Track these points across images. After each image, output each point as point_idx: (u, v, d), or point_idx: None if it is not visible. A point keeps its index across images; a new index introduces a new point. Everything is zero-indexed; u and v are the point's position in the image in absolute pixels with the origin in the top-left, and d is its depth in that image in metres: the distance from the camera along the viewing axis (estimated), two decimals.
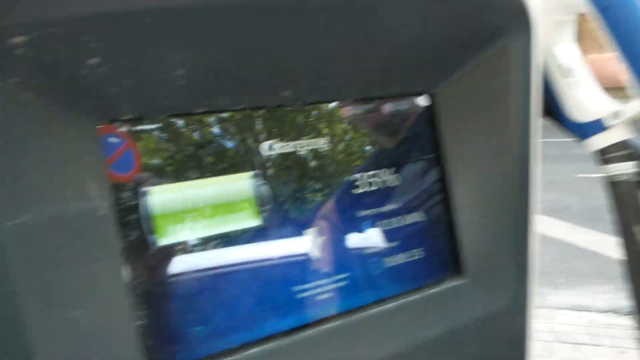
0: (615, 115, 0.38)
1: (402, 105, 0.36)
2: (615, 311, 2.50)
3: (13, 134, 0.21)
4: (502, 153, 0.35)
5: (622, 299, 2.50)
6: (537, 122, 0.37)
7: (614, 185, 0.39)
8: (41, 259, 0.22)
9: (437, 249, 0.36)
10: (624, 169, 0.39)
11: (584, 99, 0.40)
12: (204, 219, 0.28)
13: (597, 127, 0.39)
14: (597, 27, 0.38)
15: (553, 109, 0.43)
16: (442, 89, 0.36)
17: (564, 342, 2.22)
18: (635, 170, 0.39)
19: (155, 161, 0.27)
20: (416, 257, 0.35)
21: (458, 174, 0.36)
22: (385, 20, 0.29)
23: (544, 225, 3.63)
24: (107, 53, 0.22)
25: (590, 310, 2.43)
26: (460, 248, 0.36)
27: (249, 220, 0.30)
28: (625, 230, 0.38)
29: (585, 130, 0.40)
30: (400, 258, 0.35)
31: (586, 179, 5.07)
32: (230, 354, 0.28)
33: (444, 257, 0.36)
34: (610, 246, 3.31)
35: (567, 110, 0.41)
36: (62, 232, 0.23)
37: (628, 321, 2.31)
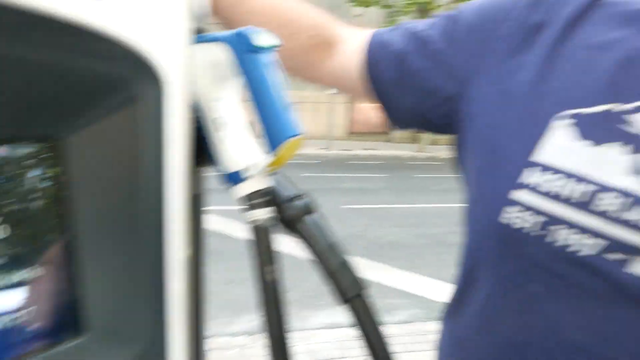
0: (253, 166, 0.43)
1: (21, 149, 0.33)
2: None
3: None
4: (131, 201, 0.35)
5: None
6: (181, 171, 0.38)
7: (253, 230, 0.44)
8: None
9: (56, 307, 0.33)
10: (261, 214, 0.44)
11: (232, 150, 0.44)
12: None
13: (238, 176, 0.44)
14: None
15: (210, 159, 0.46)
16: (65, 136, 0.34)
17: None
18: (270, 215, 0.44)
19: None
20: (26, 318, 0.32)
21: (83, 225, 0.34)
22: None
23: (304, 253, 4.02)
24: None
25: (342, 327, 2.76)
26: (83, 305, 0.34)
27: None
28: (259, 269, 0.43)
29: (232, 179, 0.44)
30: (6, 319, 0.30)
31: (349, 209, 5.92)
32: None
33: (65, 315, 0.33)
34: (363, 268, 3.87)
35: (219, 161, 0.45)
36: None
37: None
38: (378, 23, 14.80)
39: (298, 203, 0.46)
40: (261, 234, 0.44)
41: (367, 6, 12.23)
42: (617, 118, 0.36)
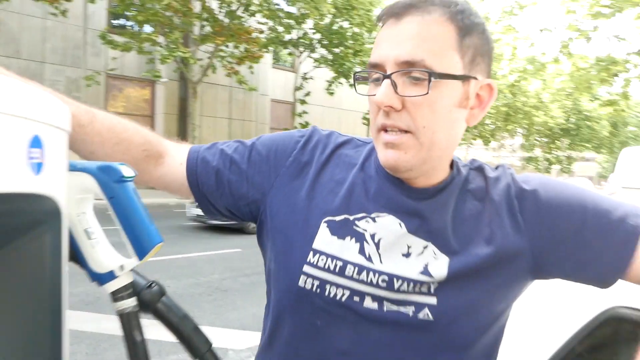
0: (121, 267, 0.56)
1: None
2: None
3: None
4: (33, 311, 0.44)
5: None
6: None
7: (123, 316, 0.56)
8: None
9: None
10: (128, 304, 0.56)
11: (101, 256, 0.56)
12: None
13: (110, 276, 0.56)
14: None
15: (80, 260, 0.56)
16: None
17: None
18: (134, 303, 0.57)
19: None
20: None
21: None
22: None
23: (74, 321, 3.60)
24: None
25: None
26: None
27: None
28: (129, 345, 0.55)
29: (102, 278, 0.56)
30: None
31: None
32: None
33: None
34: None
35: (89, 264, 0.55)
36: None
37: None
38: (135, 68, 14.39)
39: (153, 289, 0.60)
40: (130, 318, 0.56)
41: (124, 50, 11.78)
42: (350, 223, 0.66)
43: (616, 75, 9.14)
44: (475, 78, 0.63)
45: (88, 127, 0.67)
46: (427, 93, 0.59)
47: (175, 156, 0.75)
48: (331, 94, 16.76)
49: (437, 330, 0.62)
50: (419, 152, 0.62)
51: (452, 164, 0.70)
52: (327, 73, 17.51)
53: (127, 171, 0.56)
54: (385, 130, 0.62)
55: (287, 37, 15.42)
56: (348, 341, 0.64)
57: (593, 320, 0.80)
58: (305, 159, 0.73)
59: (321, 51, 16.32)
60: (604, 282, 0.65)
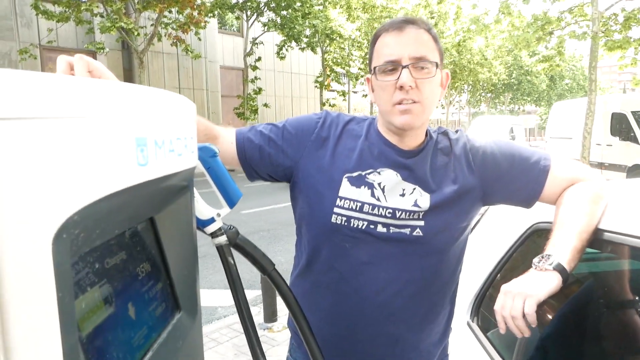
0: (217, 215, 0.82)
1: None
2: None
3: None
4: (186, 240, 0.70)
5: None
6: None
7: (219, 248, 0.83)
8: None
9: (170, 300, 0.66)
10: (222, 240, 0.83)
11: (202, 208, 0.82)
12: None
13: (210, 221, 0.82)
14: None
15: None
16: (158, 216, 0.67)
17: None
18: (225, 239, 0.84)
19: None
20: (165, 308, 0.64)
21: (171, 252, 0.68)
22: None
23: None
24: None
25: None
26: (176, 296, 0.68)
27: None
28: (225, 265, 0.82)
29: (205, 223, 0.82)
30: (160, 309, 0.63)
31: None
32: None
33: (175, 304, 0.67)
34: None
35: (196, 214, 0.81)
36: None
37: None
38: (71, 39, 13.60)
39: (233, 230, 0.87)
40: (224, 249, 0.83)
41: (60, 21, 11.13)
42: (363, 177, 0.95)
43: (551, 33, 9.82)
44: (443, 69, 0.96)
45: None
46: (434, 76, 0.90)
47: (226, 137, 1.01)
48: (282, 58, 16.67)
49: (425, 242, 0.94)
50: (422, 115, 0.94)
51: (427, 132, 1.01)
52: (277, 37, 17.30)
53: (215, 149, 0.81)
54: (399, 104, 0.91)
55: (233, 0, 15.03)
56: (368, 255, 0.95)
57: (523, 232, 1.15)
58: (325, 134, 1.01)
59: (269, 15, 16.06)
60: (527, 203, 0.99)
